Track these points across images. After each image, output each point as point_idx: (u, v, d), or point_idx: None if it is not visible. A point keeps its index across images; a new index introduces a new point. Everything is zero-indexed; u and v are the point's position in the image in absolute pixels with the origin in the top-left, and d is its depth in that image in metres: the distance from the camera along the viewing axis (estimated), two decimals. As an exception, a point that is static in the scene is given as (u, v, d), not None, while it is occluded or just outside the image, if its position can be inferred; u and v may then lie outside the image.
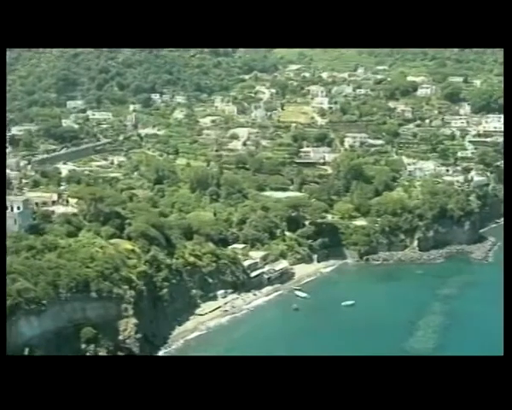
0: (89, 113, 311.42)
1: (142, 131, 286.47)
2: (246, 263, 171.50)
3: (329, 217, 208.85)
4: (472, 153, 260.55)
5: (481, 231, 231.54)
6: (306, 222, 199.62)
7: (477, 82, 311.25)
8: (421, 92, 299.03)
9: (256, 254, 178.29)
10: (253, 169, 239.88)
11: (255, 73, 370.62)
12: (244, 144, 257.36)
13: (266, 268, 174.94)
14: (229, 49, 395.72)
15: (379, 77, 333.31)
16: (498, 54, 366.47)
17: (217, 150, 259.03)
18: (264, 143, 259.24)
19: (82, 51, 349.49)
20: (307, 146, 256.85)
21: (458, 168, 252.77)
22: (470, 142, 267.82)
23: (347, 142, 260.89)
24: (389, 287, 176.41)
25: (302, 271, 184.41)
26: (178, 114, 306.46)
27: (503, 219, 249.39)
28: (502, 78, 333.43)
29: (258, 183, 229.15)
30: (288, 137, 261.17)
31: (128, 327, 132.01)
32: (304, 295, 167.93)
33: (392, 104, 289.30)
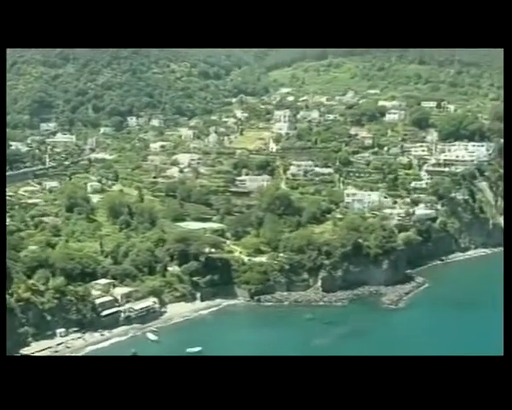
0: (58, 135, 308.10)
1: (95, 156, 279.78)
2: (100, 300, 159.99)
3: (237, 252, 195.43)
4: (426, 183, 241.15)
5: (419, 269, 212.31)
6: (202, 257, 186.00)
7: (451, 107, 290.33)
8: (388, 118, 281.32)
9: (120, 291, 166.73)
10: (181, 197, 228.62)
11: (241, 97, 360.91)
12: (181, 171, 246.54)
13: (126, 306, 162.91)
14: (222, 72, 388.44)
15: (360, 101, 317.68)
16: (495, 77, 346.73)
17: (154, 177, 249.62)
18: (202, 170, 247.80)
19: (61, 74, 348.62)
20: (247, 174, 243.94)
21: (407, 200, 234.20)
22: (427, 171, 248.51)
23: (292, 170, 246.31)
24: (259, 333, 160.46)
25: (176, 310, 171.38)
26: (145, 138, 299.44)
27: (451, 255, 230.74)
28: (496, 102, 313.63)
29: (177, 212, 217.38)
30: (229, 165, 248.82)
31: None
32: (154, 338, 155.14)
33: (354, 130, 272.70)
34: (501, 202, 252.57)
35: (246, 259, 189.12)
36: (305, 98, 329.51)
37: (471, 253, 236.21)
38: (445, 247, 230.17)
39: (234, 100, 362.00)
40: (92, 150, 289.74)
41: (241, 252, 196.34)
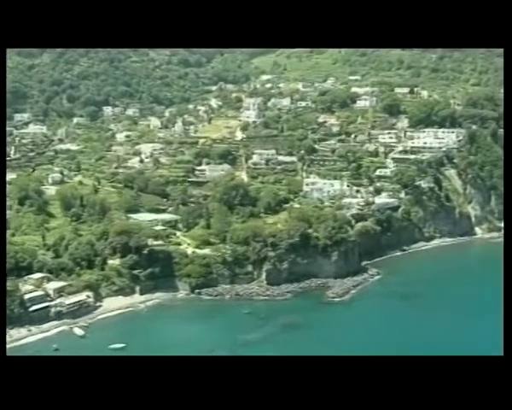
0: (30, 126, 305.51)
1: (60, 147, 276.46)
2: (29, 295, 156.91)
3: (185, 244, 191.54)
4: (391, 171, 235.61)
5: (377, 260, 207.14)
6: (145, 250, 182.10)
7: (424, 93, 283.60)
8: (359, 104, 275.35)
9: (52, 286, 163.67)
10: (138, 188, 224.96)
11: (220, 84, 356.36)
12: (141, 161, 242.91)
13: (57, 301, 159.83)
14: (203, 59, 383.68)
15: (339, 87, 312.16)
16: (478, 62, 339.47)
17: (116, 168, 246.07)
18: (163, 160, 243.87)
19: (37, 63, 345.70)
20: (208, 163, 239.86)
21: (370, 189, 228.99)
22: (393, 159, 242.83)
23: (254, 159, 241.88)
24: (190, 328, 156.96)
25: (112, 304, 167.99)
26: (113, 128, 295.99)
27: (414, 245, 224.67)
28: (477, 88, 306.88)
29: (131, 204, 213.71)
30: (191, 154, 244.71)
31: None
32: (81, 333, 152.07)
33: (322, 118, 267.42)
34: (470, 190, 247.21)
35: (189, 251, 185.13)
36: (280, 85, 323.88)
37: (436, 242, 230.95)
38: (408, 236, 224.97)
39: (214, 88, 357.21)
40: (61, 141, 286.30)
41: (189, 244, 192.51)
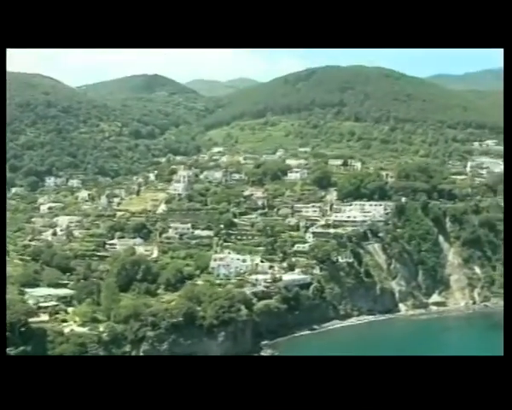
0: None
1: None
2: None
3: (71, 321, 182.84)
4: (310, 246, 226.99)
5: (280, 339, 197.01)
6: (20, 327, 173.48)
7: (357, 165, 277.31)
8: (290, 177, 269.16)
9: None
10: (43, 262, 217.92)
11: (168, 156, 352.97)
12: (54, 234, 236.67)
13: None
14: (157, 131, 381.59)
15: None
16: (428, 133, 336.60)
17: (30, 240, 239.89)
18: (77, 233, 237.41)
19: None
20: (121, 237, 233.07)
21: (284, 264, 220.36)
22: (313, 233, 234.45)
23: (169, 233, 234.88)
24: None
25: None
26: (42, 200, 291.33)
27: (326, 324, 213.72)
28: (426, 159, 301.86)
29: (30, 278, 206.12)
30: (105, 228, 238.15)
31: None
32: None
33: (249, 190, 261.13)
34: (394, 265, 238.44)
35: (67, 329, 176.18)
36: (223, 158, 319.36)
37: (353, 320, 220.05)
38: (320, 315, 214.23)
39: (163, 160, 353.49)
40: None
41: (75, 321, 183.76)
